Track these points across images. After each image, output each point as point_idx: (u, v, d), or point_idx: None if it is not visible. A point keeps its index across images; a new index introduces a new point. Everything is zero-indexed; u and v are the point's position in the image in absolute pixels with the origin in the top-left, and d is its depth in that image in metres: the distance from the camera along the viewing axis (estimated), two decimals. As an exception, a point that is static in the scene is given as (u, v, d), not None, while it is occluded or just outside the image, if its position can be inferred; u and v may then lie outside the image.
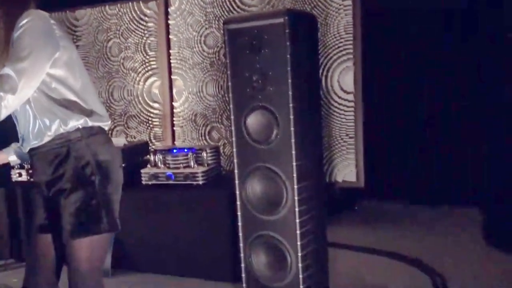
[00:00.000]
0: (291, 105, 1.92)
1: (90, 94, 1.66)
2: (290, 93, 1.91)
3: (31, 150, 1.63)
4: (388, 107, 4.13)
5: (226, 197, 2.78)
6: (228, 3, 3.66)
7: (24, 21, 1.51)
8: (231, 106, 2.07)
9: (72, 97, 1.59)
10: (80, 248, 1.59)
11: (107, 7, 3.99)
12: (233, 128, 2.07)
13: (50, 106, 1.57)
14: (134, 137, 4.08)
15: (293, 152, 1.93)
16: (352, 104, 3.54)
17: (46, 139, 1.58)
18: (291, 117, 1.92)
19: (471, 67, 3.88)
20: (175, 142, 3.96)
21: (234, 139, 2.07)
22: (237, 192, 2.08)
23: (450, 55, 3.94)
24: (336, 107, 3.57)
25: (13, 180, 3.43)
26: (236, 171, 2.07)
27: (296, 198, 1.94)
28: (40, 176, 1.63)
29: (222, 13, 3.67)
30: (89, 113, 1.61)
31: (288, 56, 1.89)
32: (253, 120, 2.02)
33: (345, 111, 3.56)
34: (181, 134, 3.96)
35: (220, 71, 3.76)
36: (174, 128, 3.97)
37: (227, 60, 2.05)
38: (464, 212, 3.79)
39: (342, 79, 3.54)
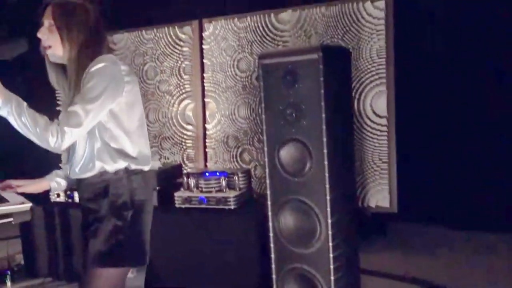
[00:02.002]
0: (324, 139, 1.93)
1: (140, 137, 1.76)
2: (324, 127, 1.92)
3: (77, 179, 1.77)
4: (421, 130, 4.06)
5: (257, 224, 2.81)
6: (261, 28, 3.71)
7: (97, 66, 1.63)
8: (264, 138, 2.10)
9: (122, 140, 1.70)
10: (98, 276, 1.68)
11: (143, 31, 4.12)
12: (266, 160, 2.09)
13: (99, 149, 1.69)
14: (168, 158, 4.16)
15: (327, 186, 1.93)
16: (385, 128, 3.50)
17: (89, 174, 1.71)
18: (325, 151, 1.93)
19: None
20: (207, 164, 4.02)
21: (267, 170, 2.09)
22: (270, 224, 2.09)
23: (487, 76, 3.85)
24: (368, 131, 3.54)
25: (52, 200, 3.56)
26: (269, 202, 2.09)
27: (329, 232, 1.94)
28: (82, 202, 1.77)
29: (255, 38, 3.73)
30: (133, 159, 1.72)
31: (322, 91, 1.91)
32: (286, 153, 2.04)
33: (378, 135, 3.53)
34: (213, 155, 4.02)
35: (252, 94, 3.80)
36: (207, 150, 4.03)
37: (261, 94, 2.08)
38: (505, 240, 3.67)
39: (375, 103, 3.51)
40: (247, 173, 3.28)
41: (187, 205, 3.14)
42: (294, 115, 1.99)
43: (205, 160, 4.03)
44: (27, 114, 1.58)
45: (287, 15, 3.64)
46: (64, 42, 1.68)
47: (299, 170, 2.01)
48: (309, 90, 1.95)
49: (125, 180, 1.69)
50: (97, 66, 1.64)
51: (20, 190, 1.95)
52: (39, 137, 1.58)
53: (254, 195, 3.40)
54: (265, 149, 2.10)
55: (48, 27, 1.71)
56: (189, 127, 4.08)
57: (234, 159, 3.95)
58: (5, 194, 1.94)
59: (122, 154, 1.69)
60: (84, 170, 1.72)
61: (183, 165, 4.00)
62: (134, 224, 1.71)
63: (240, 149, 3.93)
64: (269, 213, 2.09)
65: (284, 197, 2.05)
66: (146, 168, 1.77)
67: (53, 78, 1.80)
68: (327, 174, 1.94)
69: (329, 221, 1.95)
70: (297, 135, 1.99)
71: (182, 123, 4.10)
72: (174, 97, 4.10)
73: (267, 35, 3.70)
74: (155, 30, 4.07)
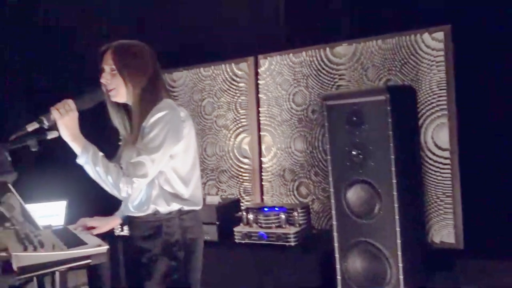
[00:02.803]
0: (394, 181, 1.90)
1: (193, 179, 1.81)
2: (393, 169, 1.90)
3: (129, 216, 1.85)
4: (486, 161, 3.89)
5: (320, 263, 2.76)
6: (316, 62, 3.75)
7: (158, 115, 1.70)
8: (330, 179, 2.09)
9: (175, 183, 1.76)
10: None
11: (201, 69, 4.27)
12: (332, 201, 2.08)
13: (155, 195, 1.75)
14: (225, 191, 4.22)
15: (398, 229, 1.89)
16: (448, 161, 3.38)
17: (142, 213, 1.79)
18: (395, 193, 1.90)
19: None
20: (264, 197, 4.03)
21: (333, 212, 2.08)
22: (337, 267, 2.06)
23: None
24: (431, 164, 3.43)
25: (116, 234, 3.68)
26: (336, 244, 2.07)
27: (401, 277, 1.88)
28: (133, 241, 1.84)
29: (311, 72, 3.76)
30: (186, 201, 1.78)
31: (390, 132, 1.89)
32: (353, 194, 2.02)
33: (441, 168, 3.41)
34: (270, 188, 4.03)
35: (308, 128, 3.81)
36: (263, 183, 4.05)
37: (326, 134, 2.09)
38: None
39: (436, 136, 3.41)
40: (306, 209, 3.26)
41: (247, 241, 3.15)
42: (360, 156, 1.98)
43: (262, 193, 4.05)
44: (102, 164, 1.67)
45: (343, 48, 3.65)
46: (127, 84, 1.77)
47: (367, 212, 1.98)
48: (376, 130, 1.94)
49: (177, 219, 1.77)
50: (158, 115, 1.71)
51: (96, 232, 2.04)
52: (111, 187, 1.68)
53: (313, 231, 3.37)
54: (332, 190, 2.09)
55: (110, 72, 1.80)
56: (246, 160, 4.13)
57: (291, 193, 3.94)
58: (82, 235, 2.03)
59: (176, 197, 1.76)
60: (138, 210, 1.80)
61: (240, 198, 4.04)
62: (187, 263, 1.77)
63: (297, 183, 3.92)
64: (336, 255, 2.06)
65: (352, 239, 2.02)
66: (197, 208, 1.84)
67: (114, 117, 1.89)
68: (397, 217, 1.90)
69: (400, 265, 1.89)
70: (365, 176, 1.98)
71: (239, 157, 4.16)
72: (231, 131, 4.18)
73: (323, 69, 3.72)
74: (212, 67, 4.20)
